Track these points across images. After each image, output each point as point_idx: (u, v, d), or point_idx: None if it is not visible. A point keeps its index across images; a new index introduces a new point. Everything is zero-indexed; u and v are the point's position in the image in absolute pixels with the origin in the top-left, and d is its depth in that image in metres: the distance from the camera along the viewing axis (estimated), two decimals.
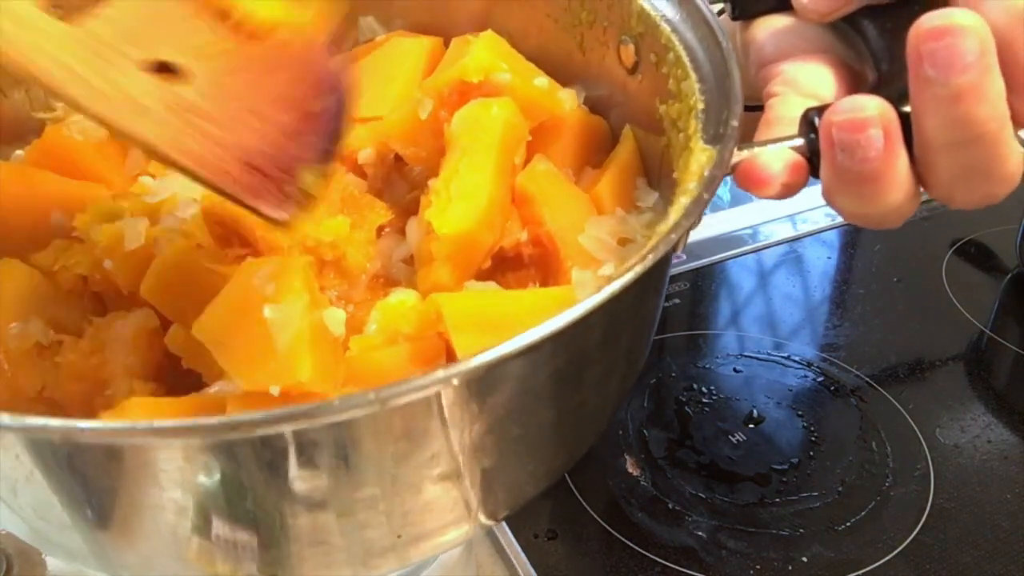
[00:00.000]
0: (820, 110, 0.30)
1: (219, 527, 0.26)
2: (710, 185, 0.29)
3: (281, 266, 0.31)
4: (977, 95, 0.28)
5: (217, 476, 0.24)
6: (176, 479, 0.24)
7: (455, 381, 0.23)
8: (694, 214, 0.28)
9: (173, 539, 0.26)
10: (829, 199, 0.31)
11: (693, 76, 0.33)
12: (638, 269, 0.26)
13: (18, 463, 0.25)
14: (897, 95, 0.30)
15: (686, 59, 0.34)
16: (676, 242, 0.28)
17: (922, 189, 0.31)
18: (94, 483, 0.25)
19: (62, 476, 0.25)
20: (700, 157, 0.31)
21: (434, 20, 0.42)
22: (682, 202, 0.29)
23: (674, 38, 0.35)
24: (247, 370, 0.28)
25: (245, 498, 0.25)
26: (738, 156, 0.31)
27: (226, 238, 0.33)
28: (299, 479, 0.25)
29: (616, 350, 0.30)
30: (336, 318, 0.31)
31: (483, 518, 0.30)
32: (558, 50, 0.41)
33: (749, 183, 0.31)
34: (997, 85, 0.29)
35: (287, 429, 0.23)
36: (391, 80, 0.39)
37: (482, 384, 0.25)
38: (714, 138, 0.31)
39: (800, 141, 0.31)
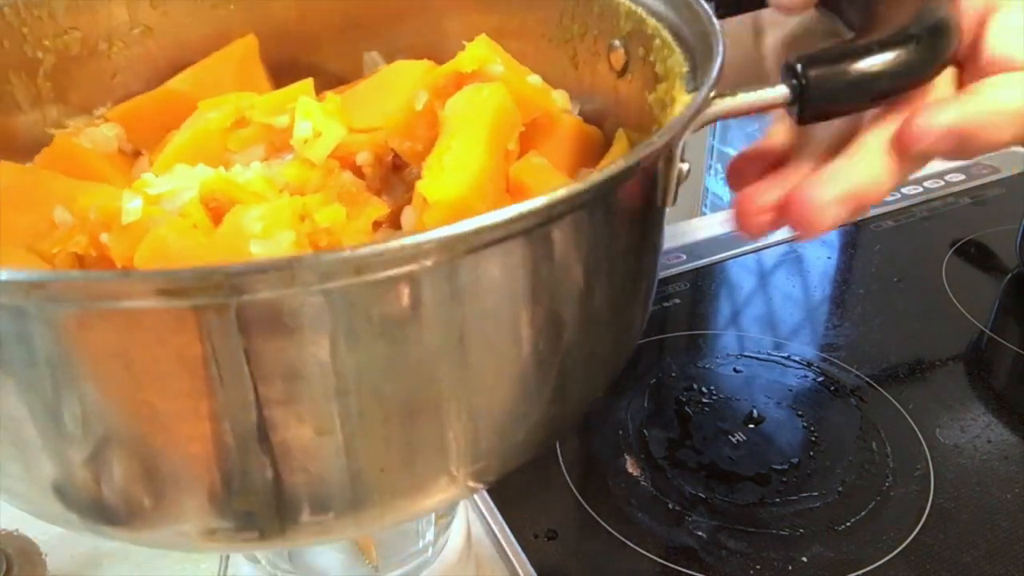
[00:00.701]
0: (801, 58, 0.31)
1: (194, 433, 0.25)
2: (695, 107, 0.29)
3: (270, 208, 0.31)
4: None
5: (191, 355, 0.23)
6: (155, 366, 0.23)
7: (435, 249, 0.23)
8: (679, 125, 0.28)
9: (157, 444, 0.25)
10: None
11: (678, 51, 0.34)
12: (624, 162, 0.26)
13: None
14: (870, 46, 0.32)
15: (671, 39, 0.35)
16: (667, 146, 0.28)
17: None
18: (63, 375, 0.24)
19: (45, 368, 0.24)
20: (684, 99, 0.31)
21: (436, 53, 0.43)
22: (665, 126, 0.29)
23: (660, 26, 0.35)
24: None
25: (217, 393, 0.24)
26: (720, 103, 0.31)
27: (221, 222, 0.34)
28: (272, 370, 0.24)
29: (607, 272, 0.30)
30: None
31: (471, 473, 0.29)
32: (553, 70, 0.41)
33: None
34: None
35: (271, 288, 0.22)
36: (391, 95, 0.40)
37: (462, 271, 0.25)
38: (695, 89, 0.32)
39: (784, 89, 0.32)
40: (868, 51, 0.32)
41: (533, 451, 0.31)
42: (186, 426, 0.25)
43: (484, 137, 0.35)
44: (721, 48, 0.31)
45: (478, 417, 0.28)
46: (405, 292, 0.24)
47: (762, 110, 0.32)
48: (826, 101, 0.32)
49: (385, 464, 0.27)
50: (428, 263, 0.24)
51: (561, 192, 0.25)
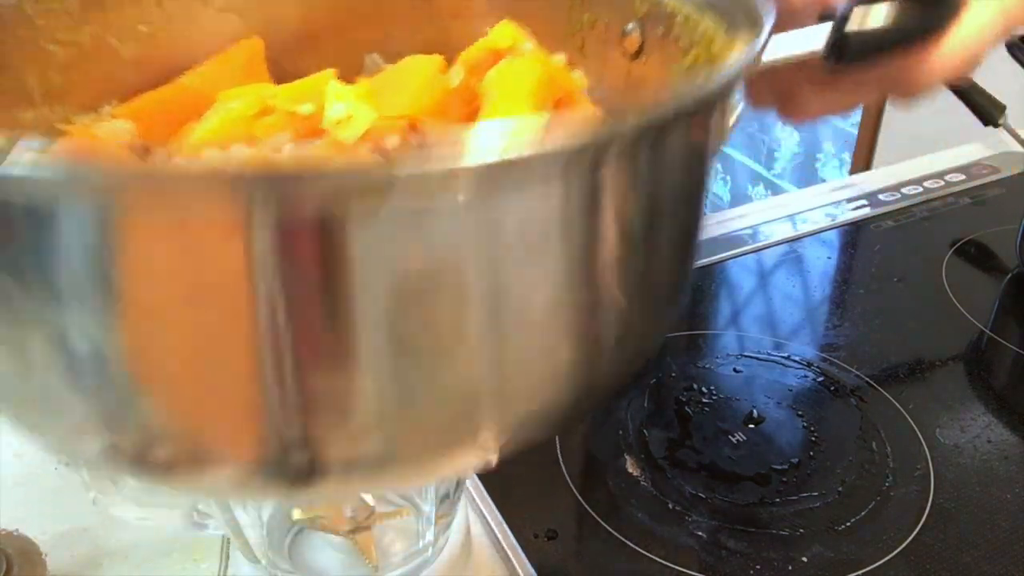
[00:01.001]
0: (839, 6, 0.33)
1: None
2: (764, 39, 0.28)
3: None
4: None
5: (235, 278, 0.22)
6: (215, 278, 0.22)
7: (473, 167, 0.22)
8: (755, 50, 0.28)
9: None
10: None
11: (707, 18, 0.34)
12: (706, 85, 0.25)
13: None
14: None
15: (695, 11, 0.35)
16: (732, 83, 0.27)
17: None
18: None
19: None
20: (740, 41, 0.31)
21: (439, 52, 0.43)
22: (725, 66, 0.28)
23: (679, 3, 0.35)
24: None
25: (258, 328, 0.23)
26: (771, 43, 0.31)
27: None
28: (314, 307, 0.23)
29: (662, 210, 0.29)
30: None
31: (495, 436, 0.28)
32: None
33: None
34: None
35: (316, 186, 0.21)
36: (409, 87, 0.40)
37: (510, 196, 0.23)
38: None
39: (825, 33, 0.33)
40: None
41: (559, 425, 0.30)
42: (224, 365, 0.24)
43: (527, 105, 0.36)
44: (771, 11, 0.30)
45: (509, 375, 0.27)
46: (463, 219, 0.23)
47: (802, 57, 0.33)
48: (860, 49, 0.33)
49: (415, 416, 0.26)
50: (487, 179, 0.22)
51: (660, 104, 0.23)
